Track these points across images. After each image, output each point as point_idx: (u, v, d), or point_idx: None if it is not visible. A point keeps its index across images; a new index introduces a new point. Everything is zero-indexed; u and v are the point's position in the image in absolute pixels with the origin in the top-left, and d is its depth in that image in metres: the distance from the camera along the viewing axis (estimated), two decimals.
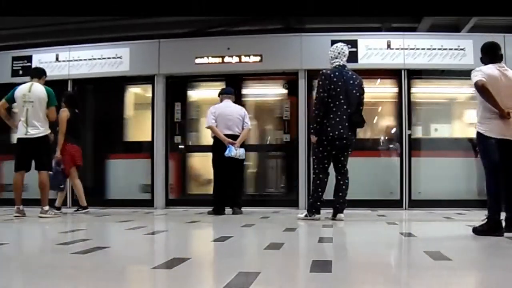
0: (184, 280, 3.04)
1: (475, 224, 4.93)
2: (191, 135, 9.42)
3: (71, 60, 9.37)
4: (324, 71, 6.41)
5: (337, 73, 6.35)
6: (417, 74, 8.67)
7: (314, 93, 6.72)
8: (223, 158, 7.42)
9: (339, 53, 6.47)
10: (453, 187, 8.53)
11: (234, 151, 7.35)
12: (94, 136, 9.61)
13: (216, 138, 7.53)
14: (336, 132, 6.28)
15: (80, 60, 9.35)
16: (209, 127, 7.59)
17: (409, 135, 8.51)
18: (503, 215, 4.77)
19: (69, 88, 9.28)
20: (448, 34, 9.04)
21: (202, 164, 9.18)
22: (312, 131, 6.44)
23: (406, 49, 8.55)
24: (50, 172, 7.23)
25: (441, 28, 9.82)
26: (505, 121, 4.68)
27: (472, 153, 8.18)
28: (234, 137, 7.47)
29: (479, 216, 5.34)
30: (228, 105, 7.64)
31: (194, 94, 9.64)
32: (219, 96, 7.82)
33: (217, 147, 7.51)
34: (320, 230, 5.52)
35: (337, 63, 6.45)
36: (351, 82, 6.40)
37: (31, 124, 6.87)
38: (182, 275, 3.11)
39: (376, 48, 8.61)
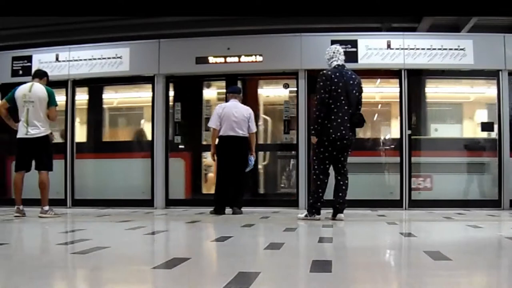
0: (184, 280, 3.04)
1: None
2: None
3: (71, 60, 9.35)
4: (324, 71, 6.38)
5: (337, 74, 6.32)
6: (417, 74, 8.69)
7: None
8: (227, 159, 7.40)
9: (334, 53, 6.45)
10: (453, 187, 8.53)
11: (253, 161, 7.56)
12: (94, 136, 9.63)
13: (220, 139, 7.50)
14: (338, 133, 6.26)
15: (80, 60, 9.34)
16: (211, 129, 7.57)
17: (409, 135, 8.51)
18: None
19: (69, 88, 9.30)
20: (448, 34, 9.02)
21: None
22: (312, 132, 6.39)
23: (406, 49, 8.53)
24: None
25: (441, 28, 9.81)
26: None
27: (473, 153, 8.18)
28: (237, 139, 7.44)
29: (479, 216, 5.40)
30: (235, 105, 7.54)
31: (194, 94, 9.64)
32: (227, 94, 7.82)
33: (222, 148, 7.49)
34: (320, 230, 5.52)
35: (336, 63, 6.42)
36: (351, 82, 6.38)
37: (31, 124, 6.87)
38: (182, 275, 3.11)
39: (376, 48, 8.59)
